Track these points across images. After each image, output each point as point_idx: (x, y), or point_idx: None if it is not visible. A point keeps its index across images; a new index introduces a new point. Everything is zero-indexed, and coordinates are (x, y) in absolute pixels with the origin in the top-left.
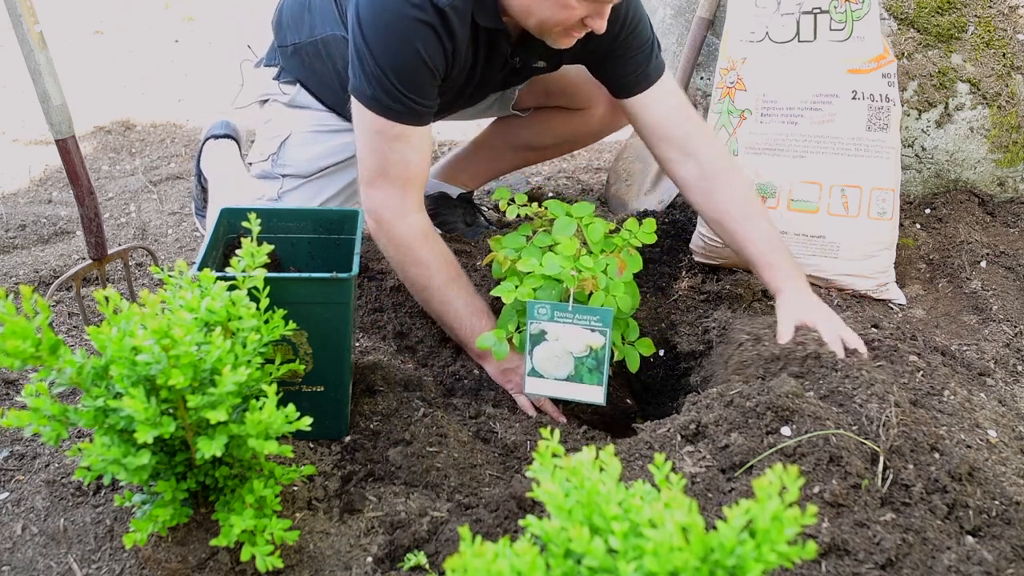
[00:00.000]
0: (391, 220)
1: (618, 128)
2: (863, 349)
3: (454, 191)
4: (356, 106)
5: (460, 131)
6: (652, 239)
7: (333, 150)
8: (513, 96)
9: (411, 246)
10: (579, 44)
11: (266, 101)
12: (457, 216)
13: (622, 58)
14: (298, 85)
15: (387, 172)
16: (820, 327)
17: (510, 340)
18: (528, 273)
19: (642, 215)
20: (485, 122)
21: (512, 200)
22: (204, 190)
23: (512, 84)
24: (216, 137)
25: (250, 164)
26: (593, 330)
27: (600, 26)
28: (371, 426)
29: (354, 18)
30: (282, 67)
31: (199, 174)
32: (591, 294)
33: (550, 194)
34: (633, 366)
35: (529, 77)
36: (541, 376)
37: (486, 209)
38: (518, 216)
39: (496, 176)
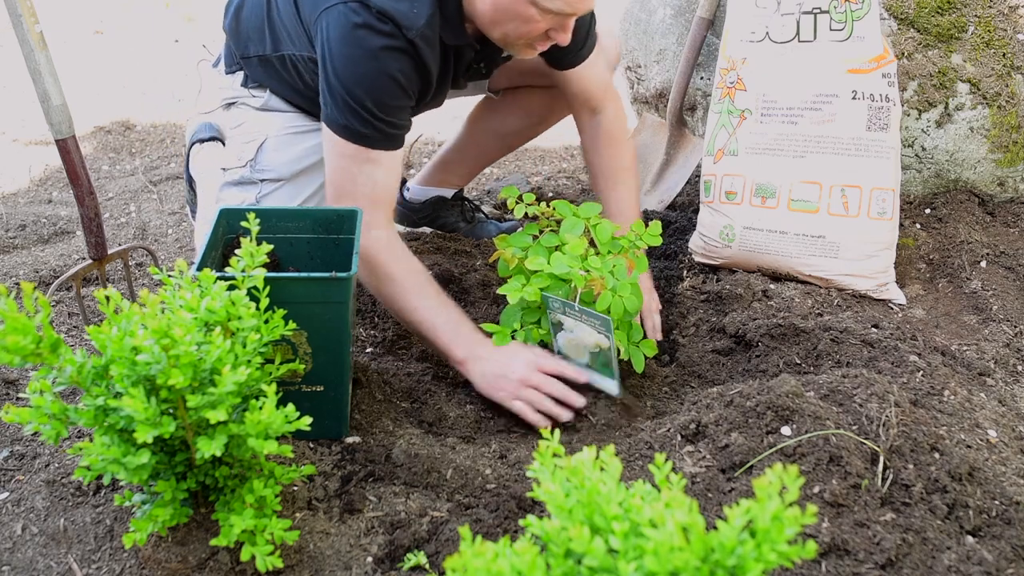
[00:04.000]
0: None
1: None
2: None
3: (448, 192)
4: (327, 133)
5: (437, 127)
6: (658, 241)
7: (309, 151)
8: (486, 80)
9: (377, 262)
10: None
11: (232, 103)
12: (456, 215)
13: (567, 47)
14: (268, 91)
15: (353, 193)
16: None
17: (513, 337)
18: (535, 272)
19: (643, 215)
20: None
21: (520, 199)
22: (195, 194)
23: (484, 78)
24: (202, 141)
25: (224, 170)
26: (599, 332)
27: (564, 39)
28: (371, 426)
29: (324, 50)
30: (247, 74)
31: (189, 180)
32: (598, 295)
33: (550, 194)
34: (639, 367)
35: (497, 68)
36: (568, 358)
37: (487, 208)
38: (525, 215)
39: (483, 168)
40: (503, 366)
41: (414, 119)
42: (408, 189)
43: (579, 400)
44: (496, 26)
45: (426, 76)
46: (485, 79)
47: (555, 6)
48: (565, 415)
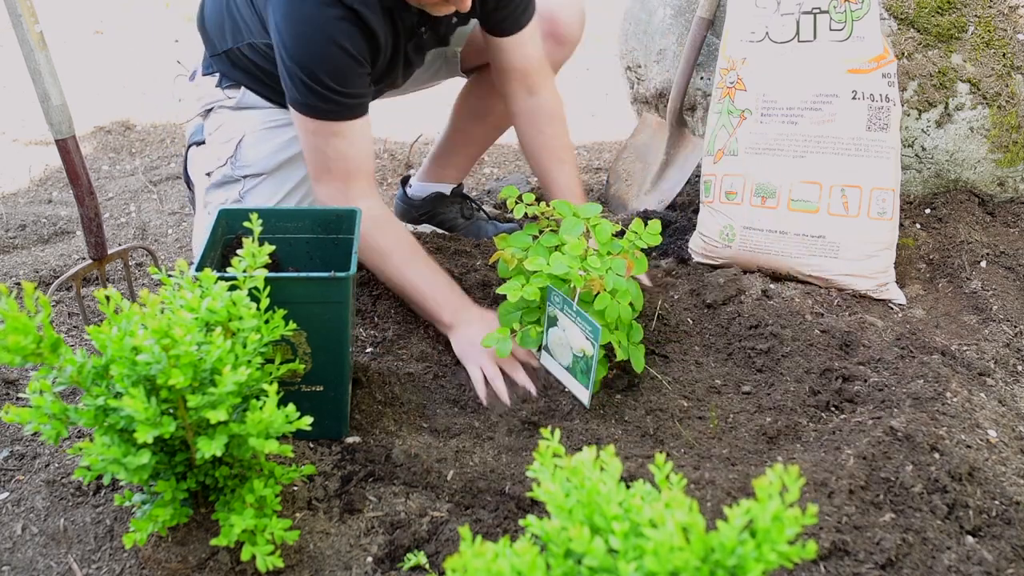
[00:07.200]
0: None
1: (558, 62)
2: None
3: (446, 188)
4: (293, 113)
5: (437, 127)
6: (657, 241)
7: (288, 143)
8: (456, 59)
9: (363, 235)
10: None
11: (211, 110)
12: (455, 212)
13: (503, 8)
14: (243, 88)
15: (328, 168)
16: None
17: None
18: (535, 272)
19: (643, 215)
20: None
21: (520, 199)
22: (195, 194)
23: (439, 45)
24: (198, 144)
25: (208, 174)
26: (587, 338)
27: (464, 5)
28: (371, 426)
29: (276, 34)
30: (222, 74)
31: (188, 181)
32: (597, 295)
33: None
34: (638, 366)
35: (449, 34)
36: (551, 356)
37: (488, 208)
38: (525, 215)
39: (476, 156)
40: (482, 334)
41: (421, 114)
42: (410, 186)
43: (533, 390)
44: None
45: (374, 41)
46: (439, 46)
47: None
48: (507, 400)
